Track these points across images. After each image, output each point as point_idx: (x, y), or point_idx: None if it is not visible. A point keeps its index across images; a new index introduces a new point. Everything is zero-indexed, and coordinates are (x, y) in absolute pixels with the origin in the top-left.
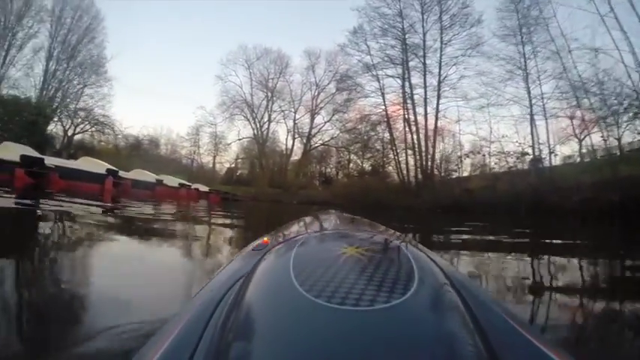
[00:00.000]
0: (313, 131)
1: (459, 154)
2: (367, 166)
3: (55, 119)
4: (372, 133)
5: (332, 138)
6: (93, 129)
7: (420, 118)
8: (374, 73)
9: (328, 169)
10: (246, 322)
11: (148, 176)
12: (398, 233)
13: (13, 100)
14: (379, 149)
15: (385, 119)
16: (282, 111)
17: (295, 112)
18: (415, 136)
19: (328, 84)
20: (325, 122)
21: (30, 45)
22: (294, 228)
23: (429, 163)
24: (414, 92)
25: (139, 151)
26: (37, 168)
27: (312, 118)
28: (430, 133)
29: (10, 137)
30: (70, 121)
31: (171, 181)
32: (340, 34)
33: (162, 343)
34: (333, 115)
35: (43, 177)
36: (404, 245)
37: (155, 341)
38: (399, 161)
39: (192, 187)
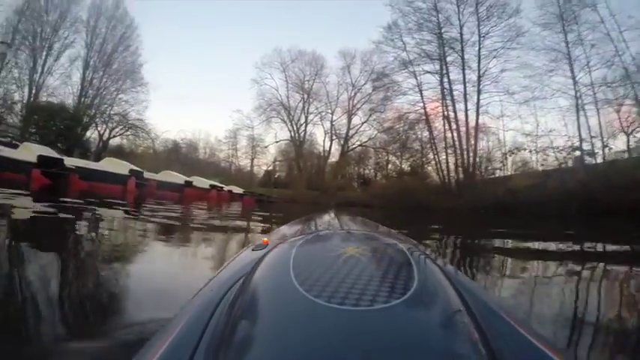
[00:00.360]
0: (351, 132)
1: (502, 151)
2: (406, 166)
3: (92, 125)
4: (411, 132)
5: (370, 139)
6: (127, 133)
7: (460, 115)
8: (411, 69)
9: (366, 171)
10: (246, 321)
11: (176, 177)
12: (398, 233)
13: (47, 106)
14: (418, 149)
15: (424, 117)
16: (319, 112)
17: (332, 114)
18: (455, 134)
19: (364, 84)
20: (362, 123)
21: (67, 54)
22: (294, 228)
23: (471, 161)
24: (453, 88)
25: (178, 154)
26: (56, 169)
27: (350, 119)
28: (471, 131)
29: (45, 142)
30: (105, 125)
31: (202, 182)
32: (374, 32)
33: (162, 343)
34: (371, 115)
35: (63, 178)
36: (404, 245)
37: (155, 341)
38: (438, 161)
39: (224, 188)
